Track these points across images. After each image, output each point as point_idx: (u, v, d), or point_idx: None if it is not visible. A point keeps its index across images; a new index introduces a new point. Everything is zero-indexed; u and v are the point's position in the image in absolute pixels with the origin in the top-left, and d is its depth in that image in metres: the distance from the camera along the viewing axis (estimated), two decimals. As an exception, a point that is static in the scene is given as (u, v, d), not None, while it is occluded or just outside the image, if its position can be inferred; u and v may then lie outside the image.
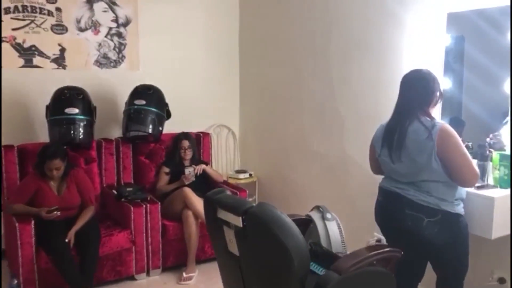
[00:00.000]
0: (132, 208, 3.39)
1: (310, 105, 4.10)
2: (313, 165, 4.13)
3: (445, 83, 2.94)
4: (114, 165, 3.94)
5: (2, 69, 3.83)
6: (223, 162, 5.01)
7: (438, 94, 2.38)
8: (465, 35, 2.95)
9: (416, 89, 2.35)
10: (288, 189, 4.47)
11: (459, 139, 2.27)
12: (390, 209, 2.46)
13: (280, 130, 4.52)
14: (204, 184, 3.98)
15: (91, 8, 4.16)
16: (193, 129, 4.48)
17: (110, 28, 4.26)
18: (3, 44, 3.83)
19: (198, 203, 3.53)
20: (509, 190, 2.45)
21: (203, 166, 3.93)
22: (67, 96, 3.56)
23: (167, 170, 4.00)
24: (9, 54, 3.86)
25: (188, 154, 4.02)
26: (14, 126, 3.86)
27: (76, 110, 3.54)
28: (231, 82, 4.98)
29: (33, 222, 3.04)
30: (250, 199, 4.85)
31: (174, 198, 3.68)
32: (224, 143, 5.01)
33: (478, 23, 2.75)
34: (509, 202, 2.41)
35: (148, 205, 3.46)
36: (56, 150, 3.13)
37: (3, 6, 3.80)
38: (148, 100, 3.88)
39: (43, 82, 3.82)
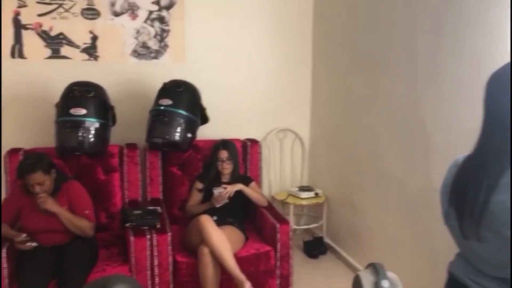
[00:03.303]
0: (132, 238, 2.68)
1: (387, 115, 3.00)
2: (388, 193, 3.03)
3: None
4: (139, 177, 3.27)
5: (26, 60, 3.39)
6: (286, 175, 4.10)
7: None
8: None
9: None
10: (359, 218, 3.43)
11: None
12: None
13: (352, 143, 3.47)
14: (240, 208, 3.15)
15: (128, -11, 3.53)
16: (247, 134, 3.65)
17: (151, 12, 3.59)
18: (28, 32, 3.37)
19: (217, 237, 2.70)
20: None
21: (239, 186, 3.07)
22: (75, 94, 2.96)
23: (200, 186, 3.23)
24: (35, 43, 3.40)
25: (227, 168, 3.20)
26: (35, 126, 3.40)
27: (84, 111, 2.92)
28: (301, 78, 4.04)
29: (4, 249, 2.47)
30: (316, 224, 3.89)
31: (192, 227, 2.89)
32: (289, 151, 4.09)
33: None
34: None
35: (154, 235, 2.71)
36: (35, 162, 2.54)
37: (28, -12, 3.33)
38: (176, 100, 3.13)
39: (71, 76, 3.25)
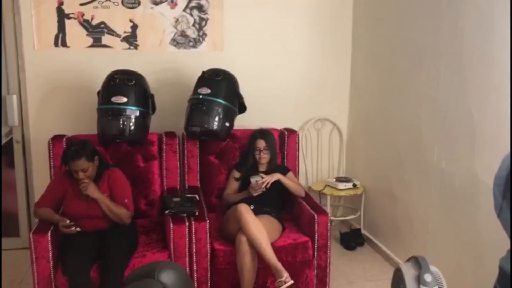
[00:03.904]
0: (172, 225, 2.70)
1: (431, 104, 2.91)
2: (431, 184, 2.95)
3: None
4: (178, 165, 3.30)
5: (69, 49, 3.46)
6: (323, 165, 4.05)
7: None
8: None
9: None
10: (399, 210, 3.35)
11: None
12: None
13: (393, 134, 3.39)
14: (277, 197, 3.13)
15: (167, -23, 3.53)
16: (284, 124, 3.62)
17: (190, 0, 3.59)
18: (70, 21, 3.44)
19: (255, 226, 2.69)
20: None
21: (276, 176, 3.05)
22: (116, 82, 3.00)
23: (237, 175, 3.23)
24: (77, 32, 3.47)
25: (264, 157, 3.18)
26: (77, 114, 3.48)
27: (125, 99, 2.96)
28: (340, 67, 3.96)
29: (50, 233, 2.55)
30: (353, 216, 3.83)
31: (229, 215, 2.89)
32: (326, 142, 4.04)
33: None
34: None
35: (193, 222, 2.73)
36: (79, 149, 2.59)
37: (71, -22, 3.39)
38: (215, 88, 3.13)
39: (112, 64, 3.28)
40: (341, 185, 3.70)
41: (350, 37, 3.91)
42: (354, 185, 3.73)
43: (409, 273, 1.74)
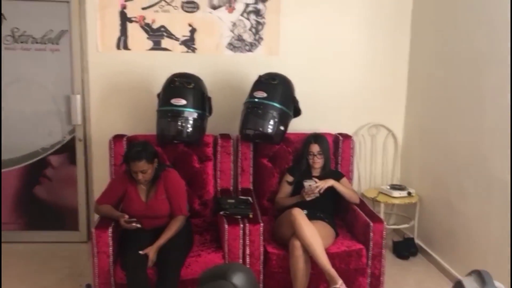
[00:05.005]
0: (226, 226, 2.74)
1: (494, 112, 2.80)
2: (493, 196, 2.84)
3: None
4: (231, 167, 3.34)
5: (130, 51, 3.58)
6: (377, 172, 3.98)
7: None
8: None
9: None
10: (457, 222, 3.24)
11: None
12: None
13: (452, 141, 3.29)
14: (331, 203, 3.11)
15: (226, -19, 3.59)
16: (337, 128, 3.59)
17: (247, 5, 3.63)
18: (132, 25, 3.56)
19: (309, 230, 2.68)
20: None
21: (331, 181, 3.02)
22: (176, 85, 3.08)
23: (290, 179, 3.23)
24: (138, 35, 3.58)
25: (318, 162, 3.17)
26: (137, 114, 3.60)
27: (184, 102, 3.03)
28: (396, 71, 3.88)
29: (110, 229, 2.64)
30: (407, 225, 3.75)
31: (283, 219, 2.90)
32: (380, 148, 3.97)
33: None
34: None
35: (247, 224, 2.75)
36: (140, 151, 2.66)
37: (134, -17, 3.51)
38: (271, 92, 3.14)
39: (170, 67, 3.38)
40: (396, 193, 3.63)
41: (408, 40, 3.83)
42: (409, 193, 3.65)
43: (471, 287, 1.69)
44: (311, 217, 2.86)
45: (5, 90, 3.61)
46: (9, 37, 3.55)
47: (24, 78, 3.61)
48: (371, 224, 2.80)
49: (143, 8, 3.55)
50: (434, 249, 3.55)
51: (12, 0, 3.50)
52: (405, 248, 3.65)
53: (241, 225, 2.74)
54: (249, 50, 3.69)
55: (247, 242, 2.75)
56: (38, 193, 3.76)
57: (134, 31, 3.56)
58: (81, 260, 3.48)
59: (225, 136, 3.36)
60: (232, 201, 2.91)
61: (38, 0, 3.51)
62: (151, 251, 2.59)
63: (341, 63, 3.79)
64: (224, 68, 3.68)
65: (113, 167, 3.21)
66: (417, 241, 3.71)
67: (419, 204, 3.68)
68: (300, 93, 3.36)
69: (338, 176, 3.18)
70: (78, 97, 3.61)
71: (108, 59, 3.56)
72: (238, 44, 3.68)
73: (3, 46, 3.55)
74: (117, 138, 3.24)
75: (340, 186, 3.06)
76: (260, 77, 3.25)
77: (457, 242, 3.24)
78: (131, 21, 3.55)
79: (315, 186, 2.96)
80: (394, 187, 3.73)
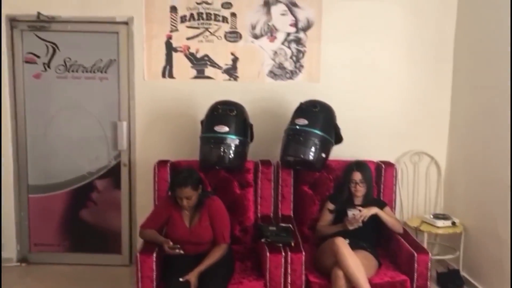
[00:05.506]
0: (268, 254, 2.74)
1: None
2: (545, 229, 2.73)
3: None
4: (272, 193, 3.36)
5: (175, 80, 3.70)
6: (419, 201, 3.91)
7: None
8: None
9: None
10: (506, 253, 3.12)
11: None
12: None
13: (500, 168, 3.19)
14: (373, 232, 3.07)
15: (268, 12, 3.68)
16: (378, 156, 3.57)
17: (288, 34, 3.70)
18: (177, 54, 3.69)
19: (352, 260, 2.65)
20: None
21: (374, 210, 2.99)
22: (219, 112, 3.16)
23: (331, 207, 3.22)
24: (183, 64, 3.70)
25: (360, 190, 3.15)
26: (180, 140, 3.69)
27: (226, 129, 3.10)
28: (439, 98, 3.84)
29: (155, 254, 2.69)
30: (451, 256, 3.64)
31: (326, 248, 2.87)
32: (423, 176, 3.90)
33: None
34: None
35: (289, 253, 2.75)
36: (187, 177, 2.72)
37: (179, 14, 3.65)
38: (312, 120, 3.17)
39: (213, 95, 3.48)
40: (439, 223, 3.54)
41: (450, 67, 3.79)
42: (453, 223, 3.55)
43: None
44: (353, 246, 2.82)
45: (56, 116, 3.78)
46: (61, 66, 3.73)
47: (73, 105, 3.78)
48: (416, 254, 2.74)
49: (188, 38, 3.68)
50: (481, 281, 3.42)
51: (65, 32, 3.69)
52: (450, 280, 3.53)
53: (283, 254, 2.74)
54: (290, 78, 3.74)
55: (289, 270, 2.73)
56: (83, 216, 3.87)
57: (179, 60, 3.68)
58: (123, 283, 3.54)
59: (266, 163, 3.39)
60: (274, 228, 2.92)
61: (89, 32, 3.69)
62: (192, 276, 2.62)
63: (383, 90, 3.78)
64: (265, 95, 3.74)
65: (156, 191, 3.28)
66: (462, 273, 3.58)
67: (464, 234, 3.57)
68: (341, 120, 3.36)
69: (381, 205, 3.14)
70: (124, 123, 3.74)
71: (153, 87, 3.69)
72: (279, 72, 3.74)
73: (56, 75, 3.73)
74: (161, 163, 3.32)
75: (384, 215, 3.02)
76: (301, 104, 3.29)
77: (505, 274, 3.11)
78: (176, 51, 3.68)
79: (359, 215, 2.93)
80: (437, 216, 3.64)
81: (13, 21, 3.65)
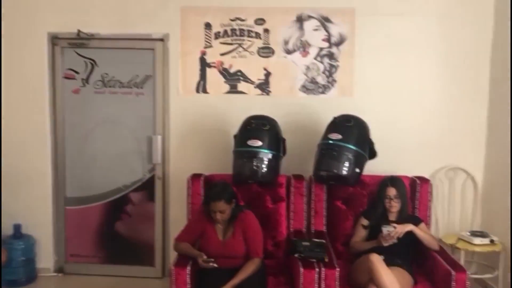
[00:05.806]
0: (302, 270, 2.72)
1: None
2: None
3: None
4: (304, 208, 3.35)
5: (208, 95, 3.76)
6: (455, 218, 3.82)
7: None
8: None
9: None
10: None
11: None
12: None
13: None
14: (409, 249, 3.01)
15: (301, 27, 3.71)
16: (413, 171, 3.51)
17: (321, 49, 3.72)
18: (211, 70, 3.75)
19: (388, 277, 2.61)
20: None
21: (410, 227, 2.94)
22: (252, 127, 3.19)
23: (365, 222, 3.18)
24: (216, 79, 3.76)
25: (395, 206, 3.10)
26: (214, 154, 3.74)
27: (260, 143, 3.12)
28: (475, 114, 3.77)
29: (189, 267, 2.71)
30: (490, 275, 3.53)
31: (360, 264, 2.84)
32: (459, 193, 3.81)
33: None
34: None
35: (323, 269, 2.72)
36: (220, 191, 2.75)
37: (213, 31, 3.72)
38: (346, 134, 3.16)
39: (245, 109, 3.53)
40: (477, 240, 3.44)
41: (487, 81, 3.72)
42: (492, 241, 3.45)
43: None
44: (388, 263, 2.77)
45: (93, 130, 3.88)
46: (99, 82, 3.85)
47: (110, 119, 3.88)
48: (453, 273, 2.67)
49: (222, 54, 3.74)
50: (522, 302, 3.30)
51: (104, 48, 3.81)
52: (489, 300, 3.42)
53: (317, 269, 2.72)
54: (323, 92, 3.75)
55: (323, 286, 2.71)
56: (118, 228, 3.95)
57: (213, 75, 3.74)
58: (156, 296, 3.58)
59: (299, 177, 3.39)
60: (307, 243, 2.90)
61: (126, 48, 3.80)
62: None
63: (417, 104, 3.74)
64: (298, 110, 3.75)
65: (190, 205, 3.32)
66: (501, 292, 3.47)
67: (504, 253, 3.46)
68: (375, 135, 3.34)
69: (416, 221, 3.08)
70: (159, 137, 3.81)
71: (188, 102, 3.75)
72: (311, 87, 3.75)
73: (94, 90, 3.85)
74: (195, 177, 3.36)
75: (419, 231, 2.96)
76: (334, 118, 3.29)
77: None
78: (210, 66, 3.74)
79: (394, 232, 2.89)
80: (474, 233, 3.54)
81: (55, 39, 3.79)
